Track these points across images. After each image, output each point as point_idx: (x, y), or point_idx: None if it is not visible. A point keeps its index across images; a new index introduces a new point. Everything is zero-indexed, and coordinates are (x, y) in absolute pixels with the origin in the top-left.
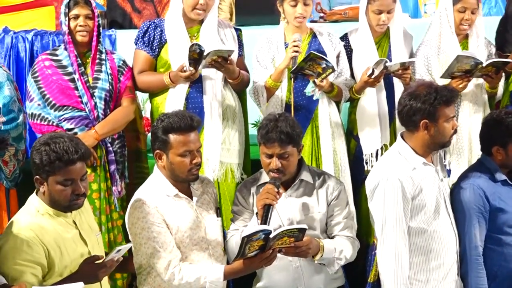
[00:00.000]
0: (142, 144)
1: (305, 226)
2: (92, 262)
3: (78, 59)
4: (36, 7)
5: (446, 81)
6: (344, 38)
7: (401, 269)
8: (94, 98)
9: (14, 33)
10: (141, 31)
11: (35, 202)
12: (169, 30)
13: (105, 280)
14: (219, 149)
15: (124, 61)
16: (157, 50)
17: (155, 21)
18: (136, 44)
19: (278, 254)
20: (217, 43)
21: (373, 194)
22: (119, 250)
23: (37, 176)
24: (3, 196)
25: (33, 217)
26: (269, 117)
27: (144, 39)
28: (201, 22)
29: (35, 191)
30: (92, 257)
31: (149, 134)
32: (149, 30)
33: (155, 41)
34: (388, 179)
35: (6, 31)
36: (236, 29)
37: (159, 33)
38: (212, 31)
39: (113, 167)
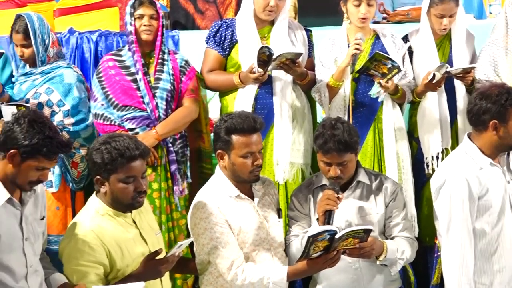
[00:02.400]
0: (206, 144)
1: (370, 227)
2: (154, 258)
3: (142, 59)
4: (101, 8)
5: None
6: (405, 39)
7: (465, 268)
8: (155, 98)
9: (79, 33)
10: (212, 30)
11: (95, 203)
12: (240, 30)
13: (166, 276)
14: (289, 150)
15: (186, 61)
16: (227, 49)
17: (227, 20)
18: (207, 43)
19: None
20: (287, 45)
21: (438, 193)
22: (180, 245)
23: (98, 176)
24: (69, 198)
25: (94, 218)
26: (324, 123)
27: (216, 38)
28: (272, 23)
29: (94, 192)
30: (153, 253)
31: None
32: (221, 29)
33: (226, 41)
34: (454, 178)
35: (71, 32)
36: (307, 30)
37: (230, 33)
38: (283, 33)
39: (173, 167)
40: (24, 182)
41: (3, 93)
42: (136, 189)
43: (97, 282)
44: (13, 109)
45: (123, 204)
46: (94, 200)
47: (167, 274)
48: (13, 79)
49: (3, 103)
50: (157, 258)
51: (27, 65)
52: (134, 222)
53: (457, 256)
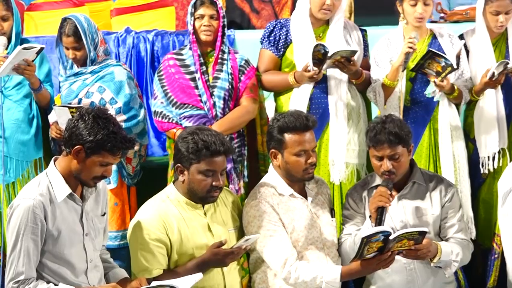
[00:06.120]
0: (259, 145)
1: (425, 229)
2: (219, 247)
3: (201, 58)
4: (157, 7)
5: None
6: (460, 39)
7: None
8: (213, 97)
9: (136, 33)
10: (267, 31)
11: (169, 190)
12: (295, 30)
13: (230, 270)
14: (344, 150)
15: (246, 61)
16: (282, 50)
17: (281, 21)
18: (261, 43)
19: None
20: (342, 44)
21: (506, 198)
22: (247, 239)
23: (179, 164)
24: (125, 193)
25: (162, 201)
26: (376, 119)
27: (270, 38)
28: (327, 22)
29: (172, 181)
30: (218, 243)
31: None
32: (275, 29)
33: (280, 41)
34: None
35: (128, 31)
36: (362, 30)
37: (284, 33)
38: (338, 33)
39: (229, 165)
40: (88, 178)
41: (40, 89)
42: (213, 183)
43: (163, 260)
44: (66, 110)
45: (197, 196)
46: (170, 187)
47: (231, 270)
48: (60, 78)
49: (55, 104)
50: (223, 248)
51: (75, 65)
52: (205, 214)
53: None
